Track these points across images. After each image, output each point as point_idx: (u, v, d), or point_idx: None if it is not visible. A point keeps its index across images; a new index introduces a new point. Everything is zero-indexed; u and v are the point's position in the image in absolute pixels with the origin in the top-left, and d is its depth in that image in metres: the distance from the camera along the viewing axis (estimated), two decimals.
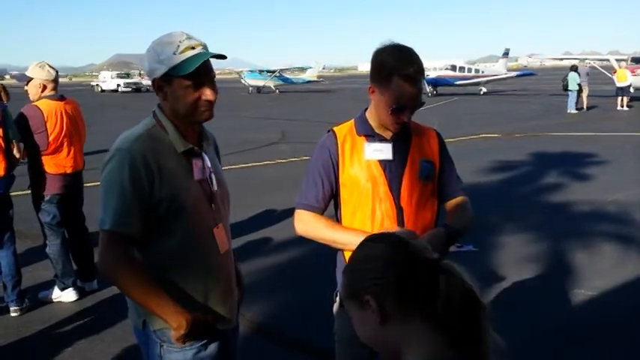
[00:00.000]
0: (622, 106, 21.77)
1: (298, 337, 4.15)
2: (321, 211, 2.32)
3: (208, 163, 2.07)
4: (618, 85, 22.13)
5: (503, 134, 15.12)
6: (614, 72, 23.23)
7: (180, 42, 1.88)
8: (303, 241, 2.41)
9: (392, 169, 2.25)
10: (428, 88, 32.02)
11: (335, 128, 2.36)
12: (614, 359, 3.80)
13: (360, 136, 2.29)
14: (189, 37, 1.91)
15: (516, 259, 5.65)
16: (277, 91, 42.13)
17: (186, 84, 1.89)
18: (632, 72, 23.16)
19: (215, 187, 2.08)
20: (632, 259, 5.56)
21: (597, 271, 5.21)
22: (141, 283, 1.90)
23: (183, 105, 1.92)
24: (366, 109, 2.34)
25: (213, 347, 2.05)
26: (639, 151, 12.14)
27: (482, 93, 32.75)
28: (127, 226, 1.87)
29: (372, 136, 2.28)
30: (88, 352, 3.98)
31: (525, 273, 5.28)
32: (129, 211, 1.86)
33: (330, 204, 2.36)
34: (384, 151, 2.25)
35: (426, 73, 29.91)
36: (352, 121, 2.36)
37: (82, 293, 4.93)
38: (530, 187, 9.04)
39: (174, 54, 1.87)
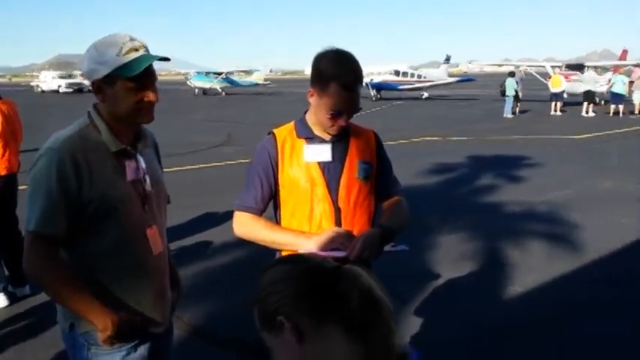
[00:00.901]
0: (555, 111, 22.66)
1: (234, 339, 4.17)
2: (260, 212, 2.34)
3: (142, 164, 2.06)
4: (553, 90, 23.03)
5: (443, 137, 15.50)
6: (549, 78, 24.15)
7: (123, 43, 1.88)
8: (243, 243, 2.43)
9: (330, 170, 2.30)
10: (372, 92, 32.43)
11: (275, 130, 2.40)
12: (544, 353, 3.97)
13: (300, 138, 2.33)
14: (132, 39, 1.91)
15: (452, 258, 5.84)
16: (224, 93, 41.79)
17: (129, 86, 1.89)
18: (566, 78, 24.15)
19: (149, 188, 2.07)
20: (560, 256, 5.85)
21: (529, 268, 5.44)
22: (65, 284, 1.89)
23: (126, 107, 1.92)
24: (307, 111, 2.38)
25: (143, 349, 2.04)
26: (570, 153, 12.71)
27: (424, 98, 33.42)
28: (52, 227, 1.86)
29: (311, 138, 2.32)
30: (19, 358, 3.91)
31: (460, 271, 5.48)
32: (55, 211, 1.85)
33: (269, 205, 2.40)
34: (323, 152, 2.30)
35: (371, 77, 30.19)
36: (293, 123, 2.40)
37: (13, 299, 4.81)
38: (467, 188, 9.34)
39: (118, 55, 1.86)
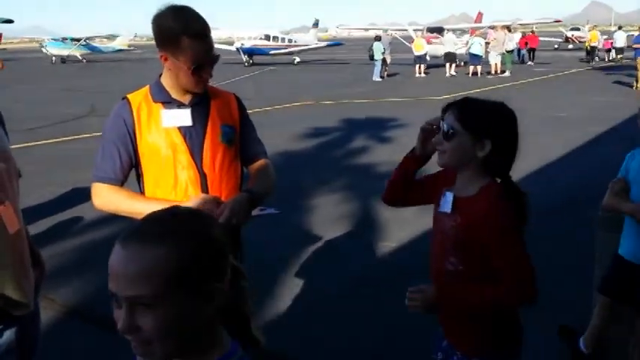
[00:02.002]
0: (420, 74, 23.73)
1: (107, 315, 4.05)
2: (120, 183, 2.25)
3: None
4: (416, 53, 24.04)
5: (316, 102, 15.74)
6: (412, 42, 25.16)
7: None
8: (114, 217, 2.33)
9: (192, 136, 2.24)
10: (244, 58, 32.04)
11: (129, 95, 2.28)
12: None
13: (157, 102, 2.24)
14: None
15: (328, 220, 6.01)
16: (84, 60, 39.30)
17: None
18: (428, 41, 25.28)
19: None
20: (429, 210, 6.21)
21: (401, 224, 5.70)
22: None
23: None
24: (161, 74, 2.29)
25: (9, 334, 1.95)
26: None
27: (295, 63, 33.60)
28: None
29: (169, 102, 2.24)
30: None
31: (336, 232, 5.66)
32: None
33: (130, 175, 2.31)
34: (182, 117, 2.23)
35: (241, 42, 29.76)
36: (147, 87, 2.30)
37: None
38: (340, 150, 9.60)
39: None
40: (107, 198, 2.23)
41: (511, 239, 1.86)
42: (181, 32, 2.09)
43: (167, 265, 1.03)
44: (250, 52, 32.71)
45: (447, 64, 23.61)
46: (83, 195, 7.03)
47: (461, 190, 1.96)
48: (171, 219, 1.11)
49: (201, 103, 2.29)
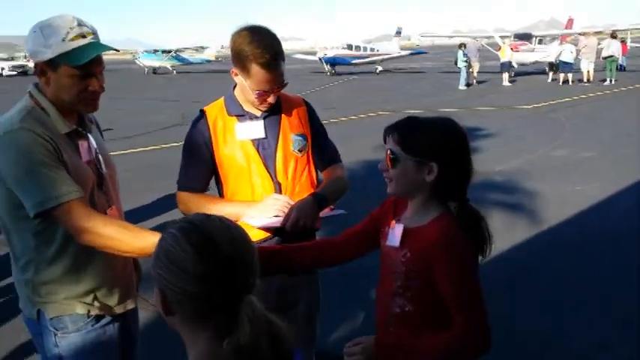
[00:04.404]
0: (506, 82, 23.07)
1: None
2: (202, 191, 2.36)
3: (94, 144, 2.02)
4: (502, 61, 23.43)
5: (399, 111, 15.61)
6: (498, 49, 24.50)
7: (70, 28, 1.80)
8: None
9: (265, 146, 2.32)
10: (326, 68, 32.35)
11: (206, 108, 2.38)
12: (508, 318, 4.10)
13: (231, 116, 2.33)
14: (80, 24, 1.83)
15: None
16: (174, 71, 40.96)
17: (73, 73, 1.82)
18: (515, 48, 24.52)
19: (104, 169, 2.03)
20: (518, 224, 6.00)
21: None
22: (121, 226, 1.86)
23: (68, 94, 1.86)
24: (235, 86, 2.36)
25: (112, 329, 2.04)
26: (524, 122, 12.98)
27: (378, 72, 33.55)
28: (78, 191, 1.80)
29: (242, 115, 2.32)
30: None
31: None
32: (67, 177, 1.80)
33: (212, 183, 2.41)
34: (255, 130, 2.31)
35: (324, 52, 30.18)
36: (222, 100, 2.39)
37: None
38: None
39: (64, 40, 1.79)
40: (190, 205, 2.34)
41: (464, 275, 1.67)
42: (251, 58, 2.15)
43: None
44: (333, 62, 32.97)
45: (552, 73, 22.65)
46: (173, 201, 7.31)
47: (411, 221, 1.78)
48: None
49: (273, 113, 2.35)
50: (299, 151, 2.36)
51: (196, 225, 1.18)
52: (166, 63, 41.32)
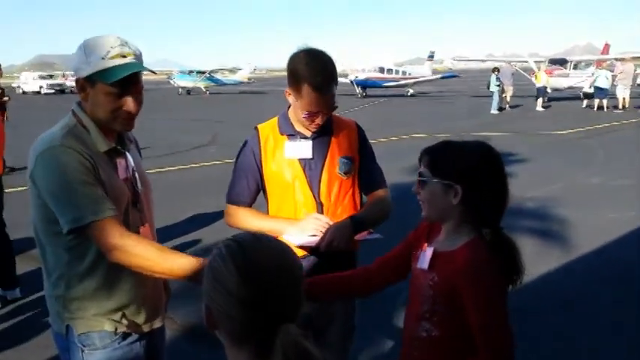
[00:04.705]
0: (540, 107, 22.83)
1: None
2: (249, 205, 2.44)
3: (132, 162, 2.05)
4: (537, 86, 23.21)
5: (429, 134, 15.55)
6: (532, 73, 24.29)
7: (112, 47, 1.84)
8: None
9: (311, 167, 2.37)
10: (357, 90, 32.48)
11: (259, 126, 2.46)
12: (541, 345, 4.02)
13: (283, 134, 2.39)
14: (122, 44, 1.87)
15: None
16: (207, 92, 41.58)
17: (108, 91, 1.85)
18: (549, 73, 24.29)
19: (140, 187, 2.06)
20: (549, 252, 5.89)
21: (534, 259, 5.43)
22: (157, 249, 1.86)
23: (103, 112, 1.89)
24: (289, 106, 2.42)
25: (138, 347, 2.05)
26: (557, 148, 12.81)
27: (409, 95, 33.51)
28: (105, 211, 1.82)
29: (293, 134, 2.38)
30: None
31: None
32: (103, 196, 1.83)
33: (259, 197, 2.48)
34: (303, 150, 2.36)
35: (355, 74, 30.26)
36: (276, 119, 2.46)
37: (3, 302, 4.77)
38: None
39: (103, 58, 1.82)
40: (237, 218, 2.44)
41: (490, 305, 1.63)
42: (305, 80, 2.21)
43: None
44: (364, 85, 33.10)
45: (597, 100, 22.06)
46: (201, 220, 7.42)
47: (442, 245, 1.78)
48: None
49: (324, 135, 2.40)
50: (345, 173, 2.40)
51: (245, 248, 1.18)
52: (200, 84, 41.98)
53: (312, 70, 2.21)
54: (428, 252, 1.78)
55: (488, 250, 1.67)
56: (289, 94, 2.32)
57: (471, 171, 1.70)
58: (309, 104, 2.24)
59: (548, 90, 23.44)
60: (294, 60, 2.26)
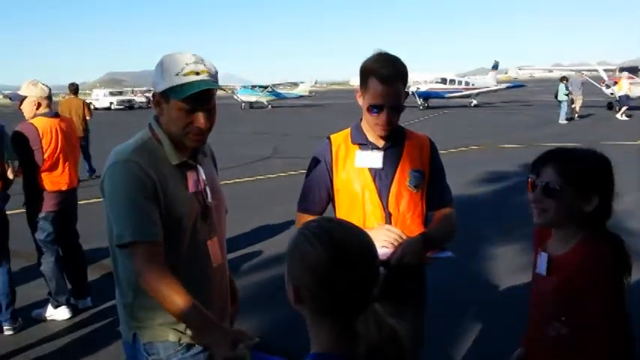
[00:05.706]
0: (622, 115, 21.98)
1: (291, 351, 4.15)
2: (319, 214, 2.44)
3: (203, 176, 2.08)
4: (619, 94, 22.44)
5: (494, 145, 15.22)
6: (602, 82, 23.46)
7: (186, 64, 1.88)
8: None
9: (382, 177, 2.35)
10: (419, 101, 32.20)
11: (332, 136, 2.49)
12: None
13: (355, 144, 2.40)
14: (197, 62, 1.90)
15: (508, 269, 5.68)
16: (270, 106, 42.18)
17: (180, 106, 1.89)
18: (616, 82, 23.42)
19: (210, 200, 2.08)
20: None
21: None
22: (182, 292, 1.83)
23: (175, 127, 1.93)
24: (362, 118, 2.43)
25: (201, 358, 2.05)
26: (631, 159, 12.25)
27: (472, 105, 32.96)
28: (150, 235, 1.85)
29: (365, 144, 2.38)
30: None
31: (517, 281, 5.31)
32: (148, 218, 1.86)
33: (329, 206, 2.49)
34: (373, 159, 2.36)
35: (417, 86, 29.99)
36: (349, 129, 2.47)
37: (75, 311, 4.93)
38: (521, 197, 9.07)
39: (177, 75, 1.87)
40: None
41: (605, 291, 1.70)
42: (371, 72, 2.24)
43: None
44: (426, 96, 32.79)
45: None
46: (266, 232, 7.49)
47: (556, 248, 1.85)
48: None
49: (395, 146, 2.40)
50: (414, 186, 2.38)
51: (332, 233, 1.27)
52: (262, 98, 42.65)
53: (380, 63, 2.24)
54: (543, 258, 1.86)
55: (603, 245, 1.75)
56: (359, 96, 2.34)
57: (603, 179, 1.80)
58: (374, 96, 2.24)
59: (631, 98, 22.53)
60: (365, 60, 2.29)
